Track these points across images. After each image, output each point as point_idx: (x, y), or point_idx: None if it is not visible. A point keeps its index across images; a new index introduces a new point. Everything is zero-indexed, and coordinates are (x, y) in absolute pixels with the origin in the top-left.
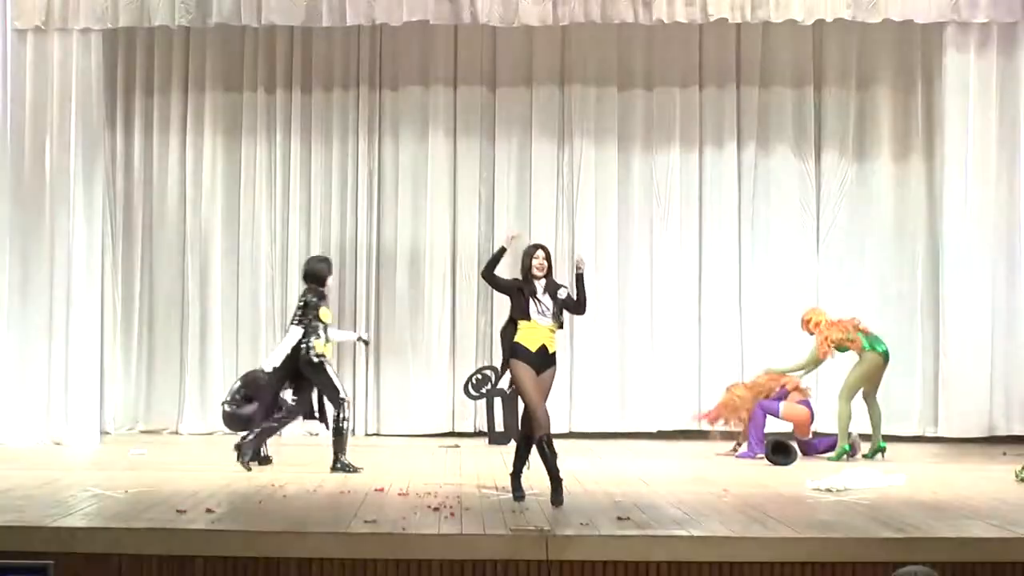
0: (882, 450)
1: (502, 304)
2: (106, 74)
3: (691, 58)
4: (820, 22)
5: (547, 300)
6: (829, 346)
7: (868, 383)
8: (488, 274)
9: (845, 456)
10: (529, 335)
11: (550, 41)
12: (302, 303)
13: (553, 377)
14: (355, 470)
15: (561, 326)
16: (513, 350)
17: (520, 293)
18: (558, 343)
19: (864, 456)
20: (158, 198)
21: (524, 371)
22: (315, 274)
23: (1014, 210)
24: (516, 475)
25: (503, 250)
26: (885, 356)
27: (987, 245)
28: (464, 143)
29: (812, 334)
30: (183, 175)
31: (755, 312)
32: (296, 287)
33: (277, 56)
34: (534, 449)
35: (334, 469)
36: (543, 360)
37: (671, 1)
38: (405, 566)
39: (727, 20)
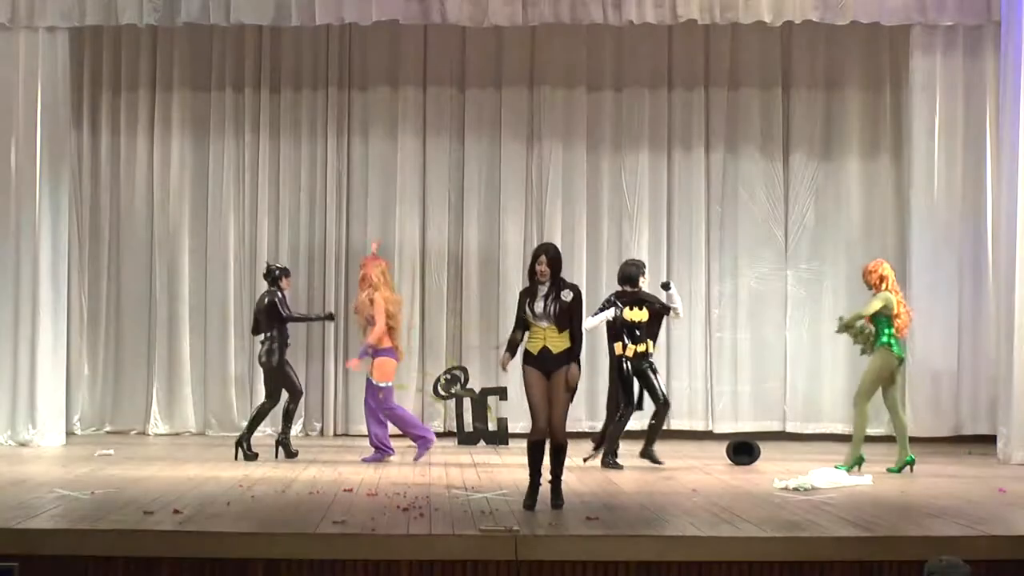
0: (910, 463)
1: (471, 305)
2: (73, 73)
3: (660, 60)
4: (788, 24)
5: (547, 303)
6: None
7: (884, 383)
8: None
9: (857, 468)
10: (531, 339)
11: (520, 42)
12: None
13: (567, 376)
14: None
15: (563, 329)
16: (523, 357)
17: (524, 303)
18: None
19: (890, 470)
20: (125, 198)
21: (530, 376)
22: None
23: (980, 211)
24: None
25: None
26: (900, 359)
27: (954, 245)
28: (433, 144)
29: (872, 288)
30: (150, 175)
31: (724, 311)
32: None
33: (246, 55)
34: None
35: None
36: (549, 361)
37: (640, 2)
38: (374, 567)
39: (696, 21)
